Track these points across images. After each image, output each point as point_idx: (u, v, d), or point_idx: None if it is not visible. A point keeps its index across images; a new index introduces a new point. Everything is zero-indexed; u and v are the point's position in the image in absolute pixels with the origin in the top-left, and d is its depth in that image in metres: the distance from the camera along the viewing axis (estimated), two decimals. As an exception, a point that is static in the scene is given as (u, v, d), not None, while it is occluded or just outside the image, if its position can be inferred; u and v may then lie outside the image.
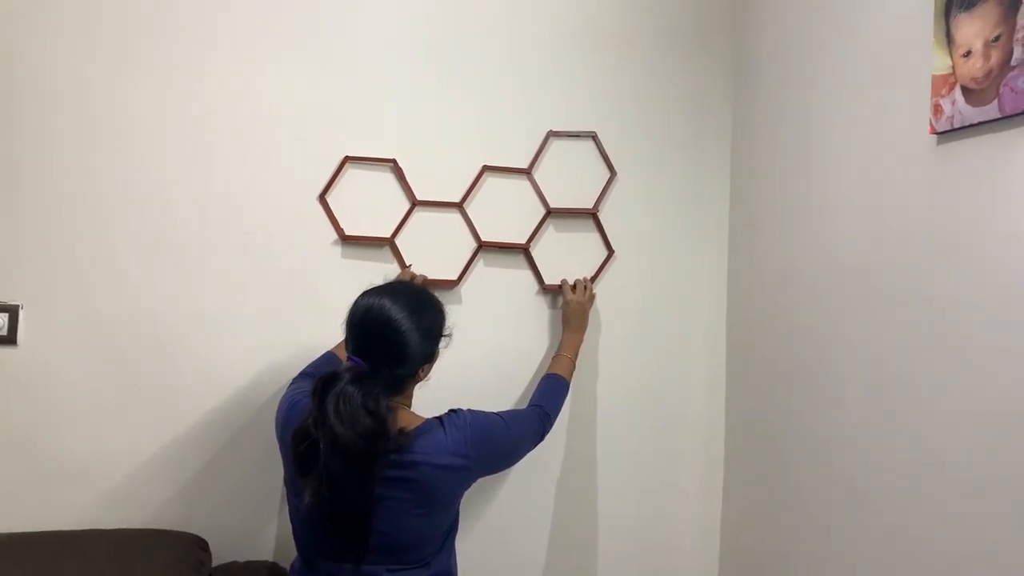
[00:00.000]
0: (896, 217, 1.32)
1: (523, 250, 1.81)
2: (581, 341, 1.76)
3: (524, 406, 1.59)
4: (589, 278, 1.84)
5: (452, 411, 1.36)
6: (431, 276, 1.75)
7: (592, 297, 1.82)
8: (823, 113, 1.55)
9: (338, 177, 1.72)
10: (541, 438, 1.52)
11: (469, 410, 1.37)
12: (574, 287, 1.80)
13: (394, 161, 1.75)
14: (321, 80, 1.73)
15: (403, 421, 1.30)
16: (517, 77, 1.82)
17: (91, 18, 1.64)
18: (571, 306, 1.77)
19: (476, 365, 1.77)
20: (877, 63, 1.39)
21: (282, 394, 1.45)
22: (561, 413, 1.63)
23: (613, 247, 1.86)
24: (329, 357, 1.58)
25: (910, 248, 1.28)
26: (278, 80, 1.71)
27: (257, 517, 1.69)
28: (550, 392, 1.61)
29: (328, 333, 1.58)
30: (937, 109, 1.21)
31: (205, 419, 1.67)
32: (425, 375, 1.38)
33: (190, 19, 1.67)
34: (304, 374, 1.52)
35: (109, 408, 1.63)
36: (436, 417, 1.34)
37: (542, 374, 1.69)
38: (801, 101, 1.64)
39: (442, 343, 1.39)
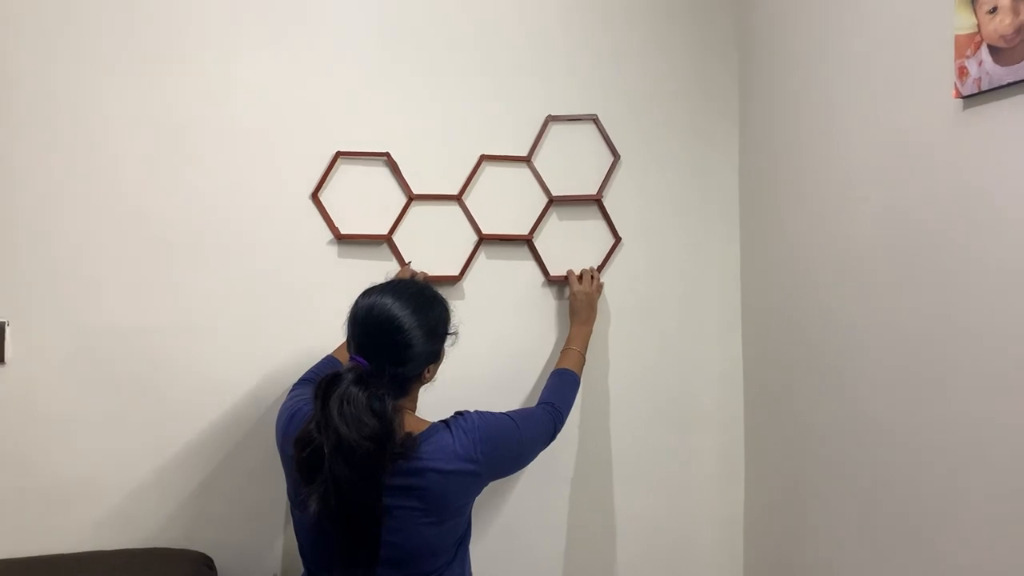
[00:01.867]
0: (921, 189, 1.24)
1: (526, 241, 1.77)
2: (590, 333, 1.71)
3: (534, 404, 1.54)
4: (596, 267, 1.79)
5: (458, 413, 1.31)
6: (432, 272, 1.70)
7: (600, 287, 1.77)
8: (837, 83, 1.48)
9: (330, 174, 1.68)
10: (553, 437, 1.47)
11: (476, 412, 1.32)
12: (580, 277, 1.75)
13: (388, 155, 1.70)
14: (307, 72, 1.68)
15: (408, 426, 1.25)
16: (512, 61, 1.77)
17: (60, 18, 1.58)
18: (579, 297, 1.71)
19: (481, 362, 1.73)
20: (894, 26, 1.31)
21: (282, 403, 1.41)
22: (572, 409, 1.57)
23: (620, 234, 1.81)
24: (329, 361, 1.54)
25: (937, 221, 1.21)
26: (262, 74, 1.66)
27: (262, 532, 1.64)
28: (560, 388, 1.55)
29: (327, 336, 1.56)
30: (962, 71, 1.14)
31: (204, 432, 1.62)
32: (431, 376, 1.33)
33: (165, 14, 1.62)
34: (304, 380, 1.48)
35: (104, 425, 1.58)
36: (442, 421, 1.29)
37: (551, 369, 1.63)
38: (812, 71, 1.57)
39: (448, 342, 1.35)
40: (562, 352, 1.66)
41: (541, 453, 1.44)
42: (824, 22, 1.52)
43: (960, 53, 1.14)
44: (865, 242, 1.39)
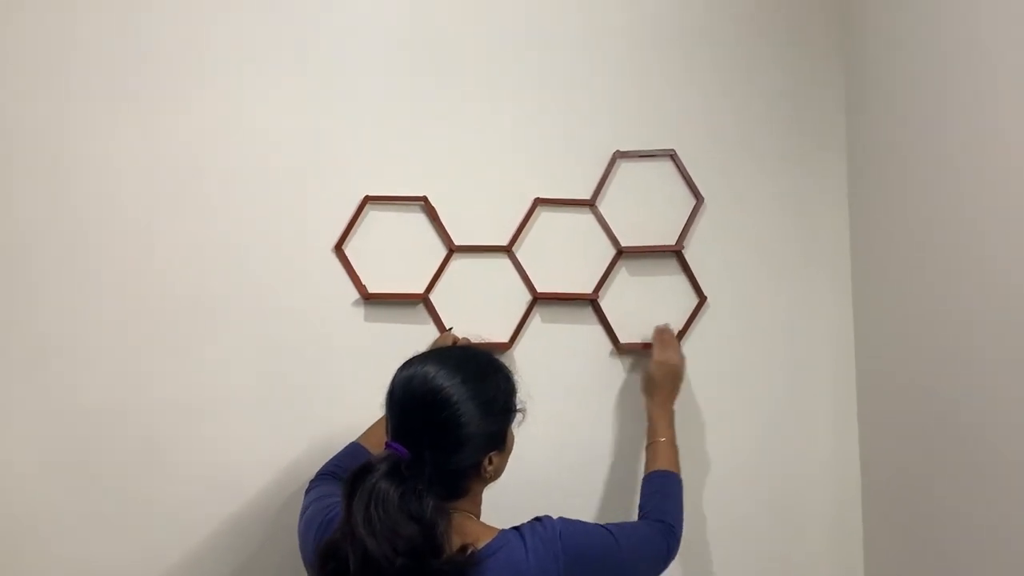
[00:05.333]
0: None
1: (590, 301, 1.56)
2: (673, 415, 1.42)
3: (608, 510, 1.34)
4: (674, 330, 1.54)
5: (536, 519, 1.06)
6: (477, 339, 1.48)
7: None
8: (984, 97, 1.20)
9: (357, 222, 1.51)
10: (667, 561, 1.19)
11: (561, 518, 1.06)
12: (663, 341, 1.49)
13: (425, 199, 1.52)
14: (329, 104, 1.52)
15: (469, 535, 1.01)
16: (571, 86, 1.58)
17: (56, 52, 1.44)
18: (664, 367, 1.43)
19: (534, 451, 1.46)
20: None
21: (303, 505, 1.20)
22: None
23: (705, 292, 1.58)
24: (354, 450, 1.32)
25: None
26: (277, 111, 1.51)
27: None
28: (665, 497, 1.26)
29: (353, 416, 1.38)
30: None
31: (206, 537, 1.43)
32: (494, 470, 1.08)
33: (168, 47, 1.49)
34: (322, 475, 1.27)
35: (84, 527, 1.41)
36: (514, 528, 1.04)
37: (623, 461, 1.41)
38: (948, 88, 1.29)
39: (514, 421, 1.11)
40: (649, 448, 1.38)
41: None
42: (960, 22, 1.24)
43: None
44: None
